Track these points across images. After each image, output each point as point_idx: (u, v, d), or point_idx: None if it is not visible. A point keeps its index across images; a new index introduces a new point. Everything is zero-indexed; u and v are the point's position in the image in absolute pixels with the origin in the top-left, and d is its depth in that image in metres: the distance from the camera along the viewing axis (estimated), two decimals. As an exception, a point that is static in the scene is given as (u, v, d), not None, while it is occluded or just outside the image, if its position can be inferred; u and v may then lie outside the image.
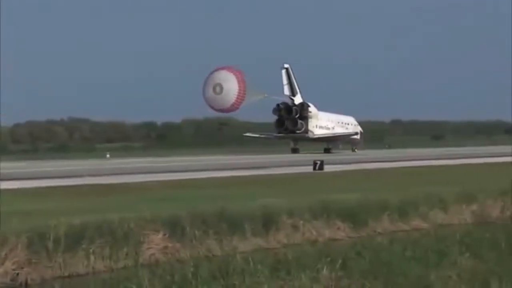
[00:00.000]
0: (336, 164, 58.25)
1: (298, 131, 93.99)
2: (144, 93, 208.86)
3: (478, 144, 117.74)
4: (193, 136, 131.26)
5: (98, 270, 21.91)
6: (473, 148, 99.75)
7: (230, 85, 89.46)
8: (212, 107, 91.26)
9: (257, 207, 27.22)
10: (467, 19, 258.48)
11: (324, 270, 18.42)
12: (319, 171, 50.74)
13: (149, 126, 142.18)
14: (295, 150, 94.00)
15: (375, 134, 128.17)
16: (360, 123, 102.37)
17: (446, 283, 18.49)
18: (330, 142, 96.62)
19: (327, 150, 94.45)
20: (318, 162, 52.09)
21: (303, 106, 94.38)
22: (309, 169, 51.53)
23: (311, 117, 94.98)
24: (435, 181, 41.05)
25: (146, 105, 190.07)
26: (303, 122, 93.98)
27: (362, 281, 18.02)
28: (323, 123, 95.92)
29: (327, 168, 51.92)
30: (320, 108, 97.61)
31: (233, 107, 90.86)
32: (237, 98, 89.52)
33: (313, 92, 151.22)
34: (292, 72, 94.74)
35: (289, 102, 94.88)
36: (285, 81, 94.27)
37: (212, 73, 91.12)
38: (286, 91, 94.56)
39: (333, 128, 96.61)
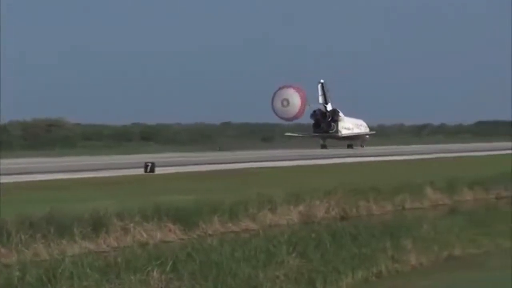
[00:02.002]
0: (176, 165, 58.06)
1: (331, 131, 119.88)
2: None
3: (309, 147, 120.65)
4: (21, 138, 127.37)
5: None
6: (306, 151, 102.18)
7: (294, 100, 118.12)
8: (281, 117, 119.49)
9: (87, 210, 26.86)
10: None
11: (155, 272, 18.42)
12: (151, 173, 50.48)
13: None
14: (324, 146, 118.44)
15: (204, 136, 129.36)
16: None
17: (274, 283, 18.90)
18: (352, 140, 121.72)
19: (350, 146, 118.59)
20: (150, 164, 51.75)
21: (335, 112, 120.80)
22: (141, 171, 51.15)
23: (340, 120, 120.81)
24: (267, 183, 41.84)
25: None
26: (334, 124, 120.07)
27: (192, 283, 18.14)
28: (347, 125, 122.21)
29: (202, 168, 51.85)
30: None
31: (296, 117, 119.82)
32: (299, 110, 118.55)
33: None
34: (326, 86, 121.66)
35: (323, 108, 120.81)
36: (320, 92, 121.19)
37: (279, 89, 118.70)
38: (320, 100, 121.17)
39: (352, 129, 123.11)
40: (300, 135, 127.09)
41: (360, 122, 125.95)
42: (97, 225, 26.28)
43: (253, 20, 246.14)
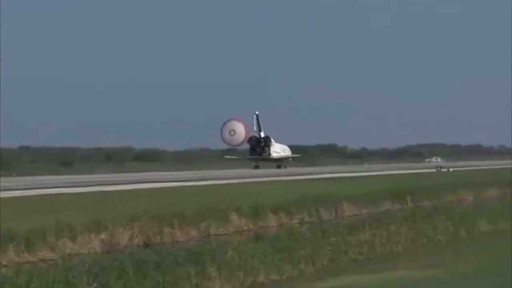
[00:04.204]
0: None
1: (264, 154, 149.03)
2: None
3: (110, 171, 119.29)
4: None
5: None
6: (101, 175, 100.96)
7: (240, 130, 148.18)
8: (229, 144, 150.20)
9: None
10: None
11: None
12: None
13: None
14: (257, 167, 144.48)
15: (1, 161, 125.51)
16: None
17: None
18: (280, 161, 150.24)
19: (278, 166, 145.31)
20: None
21: (268, 138, 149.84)
22: None
23: (271, 145, 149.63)
24: (68, 209, 40.89)
25: None
26: (267, 149, 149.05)
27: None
28: (276, 149, 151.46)
29: None
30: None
31: (241, 144, 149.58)
32: (244, 137, 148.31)
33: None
34: (259, 117, 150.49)
35: (257, 135, 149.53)
36: (255, 122, 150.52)
37: (227, 122, 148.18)
38: (255, 128, 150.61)
39: (280, 152, 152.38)
40: (239, 158, 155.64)
41: (285, 147, 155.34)
42: None
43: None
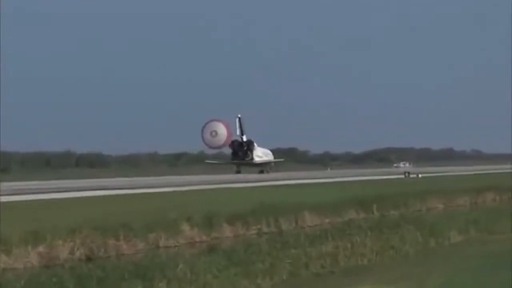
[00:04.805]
0: None
1: (247, 159, 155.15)
2: None
3: (49, 178, 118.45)
4: None
5: None
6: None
7: (222, 131, 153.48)
8: (209, 146, 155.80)
9: None
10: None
11: None
12: None
13: None
14: (238, 172, 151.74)
15: None
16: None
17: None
18: (263, 166, 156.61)
19: (261, 172, 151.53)
20: None
21: (251, 142, 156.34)
22: None
23: (254, 149, 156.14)
24: (3, 220, 40.52)
25: None
26: (250, 153, 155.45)
27: None
28: (259, 153, 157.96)
29: None
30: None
31: (223, 146, 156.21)
32: (226, 140, 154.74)
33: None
34: (242, 119, 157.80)
35: (240, 139, 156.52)
36: (237, 125, 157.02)
37: (209, 122, 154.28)
38: (238, 132, 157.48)
39: (262, 157, 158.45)
40: (221, 162, 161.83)
41: (268, 151, 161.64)
42: None
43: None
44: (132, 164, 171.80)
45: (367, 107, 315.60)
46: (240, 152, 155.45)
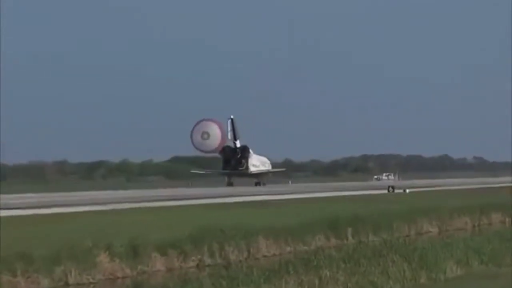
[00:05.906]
0: None
1: (240, 168, 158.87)
2: None
3: None
4: None
5: None
6: None
7: (215, 133, 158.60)
8: (199, 150, 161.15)
9: None
10: None
11: None
12: None
13: None
14: (230, 184, 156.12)
15: None
16: None
17: None
18: (259, 177, 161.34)
19: (257, 184, 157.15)
20: None
21: (245, 148, 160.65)
22: None
23: (249, 157, 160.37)
24: None
25: None
26: (245, 161, 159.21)
27: None
28: (255, 162, 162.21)
29: None
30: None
31: (215, 150, 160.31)
32: (219, 143, 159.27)
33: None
34: (235, 122, 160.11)
35: (232, 145, 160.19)
36: (229, 128, 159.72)
37: (199, 122, 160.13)
38: (230, 136, 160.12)
39: (259, 166, 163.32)
40: (208, 172, 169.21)
41: (265, 159, 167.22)
42: None
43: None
44: (34, 175, 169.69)
45: (340, 106, 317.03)
46: (233, 160, 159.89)
